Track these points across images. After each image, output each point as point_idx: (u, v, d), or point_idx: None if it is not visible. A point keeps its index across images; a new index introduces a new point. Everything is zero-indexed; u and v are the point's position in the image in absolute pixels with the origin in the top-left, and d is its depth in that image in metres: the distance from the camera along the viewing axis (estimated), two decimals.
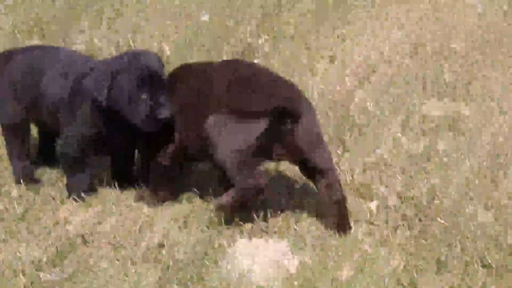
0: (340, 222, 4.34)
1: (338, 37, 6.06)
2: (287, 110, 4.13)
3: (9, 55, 4.57)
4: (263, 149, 4.17)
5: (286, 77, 4.42)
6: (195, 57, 5.73)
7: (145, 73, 4.13)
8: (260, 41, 6.01)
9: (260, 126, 4.13)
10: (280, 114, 4.12)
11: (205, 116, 4.19)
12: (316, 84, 5.57)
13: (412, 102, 5.39)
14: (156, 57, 4.25)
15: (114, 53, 5.55)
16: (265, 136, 4.14)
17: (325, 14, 6.29)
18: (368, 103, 5.38)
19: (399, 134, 5.11)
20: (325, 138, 4.43)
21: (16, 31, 5.99)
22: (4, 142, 4.58)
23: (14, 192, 4.55)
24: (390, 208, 4.51)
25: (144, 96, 4.14)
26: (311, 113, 4.28)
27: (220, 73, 4.29)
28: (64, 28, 6.04)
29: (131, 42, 5.91)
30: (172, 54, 5.81)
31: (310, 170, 4.31)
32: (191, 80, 4.33)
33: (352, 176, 4.75)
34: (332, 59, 5.84)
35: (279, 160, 4.38)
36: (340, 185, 4.34)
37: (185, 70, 4.44)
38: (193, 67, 4.46)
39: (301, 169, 4.37)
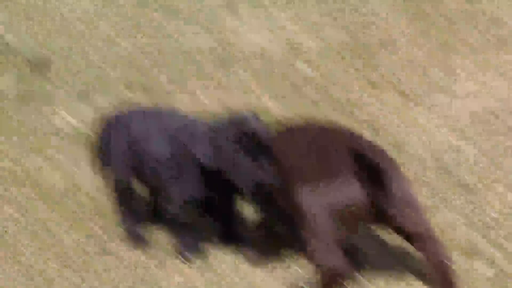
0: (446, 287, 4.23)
1: (435, 85, 5.96)
2: (374, 172, 4.04)
3: (115, 116, 4.63)
4: (349, 217, 4.10)
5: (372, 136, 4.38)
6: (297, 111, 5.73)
7: (247, 136, 4.12)
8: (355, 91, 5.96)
9: (345, 190, 4.06)
10: (366, 177, 4.04)
11: (290, 180, 4.17)
12: (414, 136, 5.48)
13: None
14: (259, 118, 4.21)
15: (220, 112, 5.59)
16: (351, 201, 4.07)
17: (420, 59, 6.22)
18: (472, 158, 5.27)
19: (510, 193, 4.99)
20: (426, 195, 4.34)
21: (125, 87, 6.07)
22: (112, 201, 4.61)
23: (122, 251, 4.57)
24: (505, 273, 4.38)
25: (245, 160, 4.12)
26: (399, 174, 4.19)
27: (299, 137, 4.30)
28: (172, 87, 6.09)
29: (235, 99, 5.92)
30: (276, 109, 5.79)
31: (404, 232, 4.22)
32: (283, 141, 4.32)
33: (459, 237, 4.65)
34: (430, 108, 5.74)
35: (366, 226, 4.30)
36: (440, 246, 4.23)
37: (280, 130, 4.43)
38: (285, 128, 4.45)
39: (394, 231, 4.28)
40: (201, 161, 4.20)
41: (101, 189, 4.91)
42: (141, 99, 5.87)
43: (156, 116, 4.48)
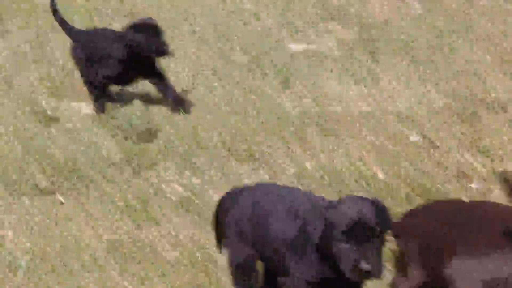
0: None
1: None
2: None
3: (236, 193, 4.59)
4: None
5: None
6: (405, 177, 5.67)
7: (353, 223, 4.01)
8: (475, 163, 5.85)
9: (501, 264, 3.97)
10: None
11: (442, 257, 4.08)
12: None
13: None
14: (371, 205, 4.08)
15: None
16: (506, 276, 3.97)
17: None
18: None
19: None
20: None
21: (229, 152, 6.07)
22: (231, 279, 4.58)
23: None
24: None
25: (347, 246, 4.04)
26: None
27: (448, 210, 4.25)
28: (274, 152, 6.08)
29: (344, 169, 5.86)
30: (383, 176, 5.73)
31: None
32: (431, 214, 4.30)
33: None
34: None
35: None
36: None
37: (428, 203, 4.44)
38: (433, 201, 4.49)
39: None
40: (313, 240, 4.16)
41: (217, 259, 4.92)
42: (247, 167, 5.89)
43: (277, 193, 4.44)
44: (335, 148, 6.03)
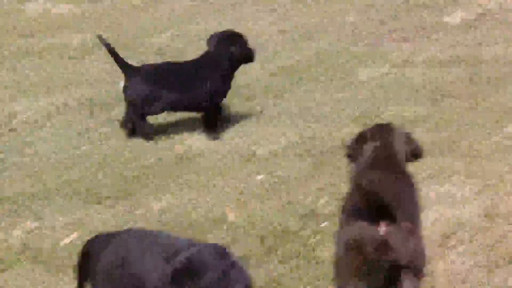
0: None
1: None
2: None
3: (104, 239, 4.35)
4: None
5: None
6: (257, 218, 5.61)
7: (183, 268, 3.99)
8: None
9: None
10: None
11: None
12: None
13: None
14: (217, 252, 4.06)
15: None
16: None
17: None
18: None
19: None
20: None
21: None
22: None
23: None
24: None
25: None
26: None
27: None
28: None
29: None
30: (234, 218, 5.64)
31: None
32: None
33: None
34: None
35: None
36: None
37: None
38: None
39: None
40: None
41: None
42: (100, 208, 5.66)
43: (149, 238, 4.25)
44: (186, 190, 5.93)
